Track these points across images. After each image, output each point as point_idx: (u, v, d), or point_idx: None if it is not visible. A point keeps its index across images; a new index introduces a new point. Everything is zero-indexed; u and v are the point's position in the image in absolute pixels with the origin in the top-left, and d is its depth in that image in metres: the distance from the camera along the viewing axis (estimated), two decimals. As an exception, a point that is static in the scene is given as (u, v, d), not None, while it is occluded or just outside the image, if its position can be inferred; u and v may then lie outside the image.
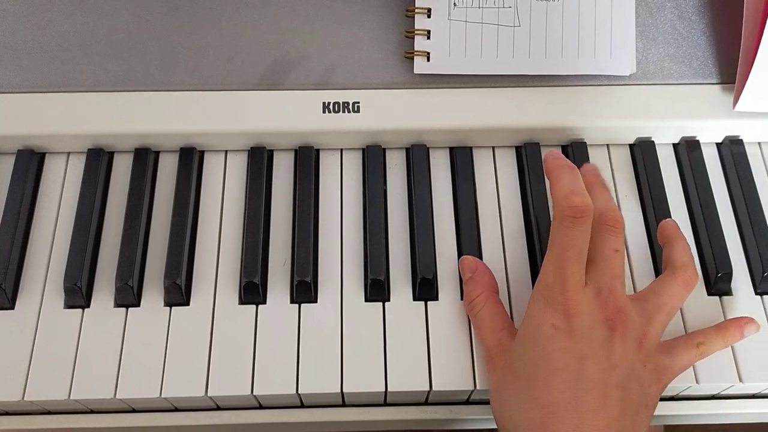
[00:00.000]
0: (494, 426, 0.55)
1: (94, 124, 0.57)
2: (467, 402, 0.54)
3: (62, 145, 0.58)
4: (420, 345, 0.52)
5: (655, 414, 0.48)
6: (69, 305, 0.53)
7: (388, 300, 0.53)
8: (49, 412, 0.53)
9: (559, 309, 0.46)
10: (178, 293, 0.52)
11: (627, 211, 0.57)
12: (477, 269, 0.52)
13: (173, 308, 0.53)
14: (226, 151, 0.59)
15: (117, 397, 0.50)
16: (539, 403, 0.45)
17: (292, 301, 0.53)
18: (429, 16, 0.58)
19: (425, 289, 0.53)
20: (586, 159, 0.59)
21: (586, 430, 0.44)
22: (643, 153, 0.59)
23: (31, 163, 0.57)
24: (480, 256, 0.54)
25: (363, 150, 0.59)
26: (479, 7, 0.57)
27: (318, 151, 0.59)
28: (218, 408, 0.53)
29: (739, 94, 0.57)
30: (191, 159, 0.58)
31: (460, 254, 0.55)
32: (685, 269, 0.50)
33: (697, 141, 0.60)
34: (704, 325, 0.52)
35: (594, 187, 0.52)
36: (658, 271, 0.55)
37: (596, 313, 0.47)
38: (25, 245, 0.55)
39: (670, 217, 0.56)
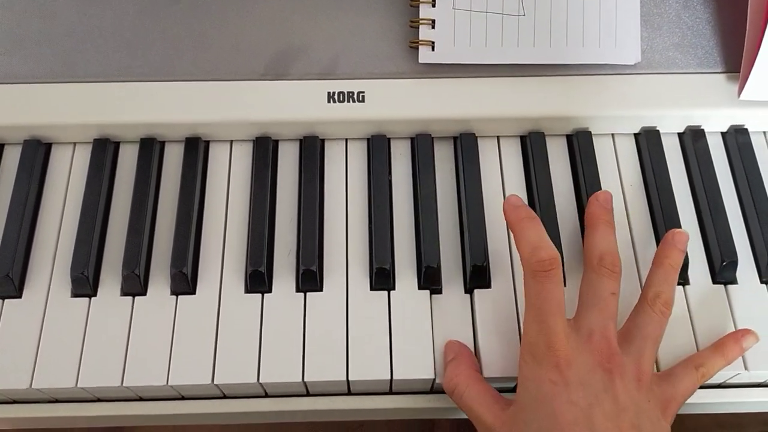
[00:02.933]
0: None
1: (100, 115, 0.57)
2: (472, 390, 0.54)
3: (68, 136, 0.58)
4: (425, 333, 0.52)
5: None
6: (76, 294, 0.53)
7: (393, 288, 0.53)
8: (57, 401, 0.53)
9: (551, 363, 0.45)
10: (185, 282, 0.53)
11: (632, 201, 0.58)
12: (460, 351, 0.51)
13: (179, 297, 0.53)
14: (232, 141, 0.59)
15: (124, 385, 0.50)
16: None
17: (298, 290, 0.53)
18: (434, 6, 0.58)
19: (430, 277, 0.53)
20: (591, 148, 0.59)
21: None
22: (648, 142, 0.59)
23: (37, 154, 0.58)
24: (485, 246, 0.54)
25: (368, 139, 0.59)
26: (484, -3, 0.57)
27: (323, 140, 0.59)
28: (224, 396, 0.53)
29: (744, 83, 0.57)
30: (197, 149, 0.58)
31: (464, 243, 0.55)
32: (656, 300, 0.49)
33: (702, 130, 0.60)
34: (709, 314, 0.53)
35: (599, 224, 0.52)
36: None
37: (589, 359, 0.46)
38: (32, 235, 0.55)
39: (676, 206, 0.56)
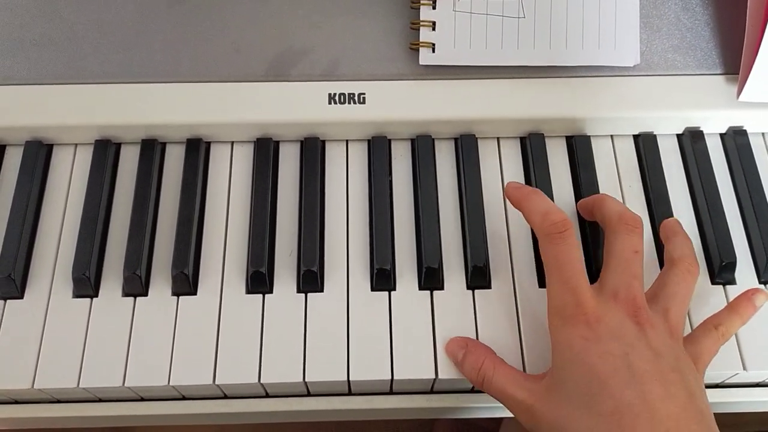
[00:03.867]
0: (500, 415, 0.56)
1: (101, 116, 0.57)
2: (473, 390, 0.54)
3: (70, 137, 0.59)
4: (426, 334, 0.52)
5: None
6: (77, 295, 0.53)
7: (394, 289, 0.54)
8: (58, 401, 0.53)
9: (581, 321, 0.45)
10: (186, 283, 0.53)
11: (631, 202, 0.58)
12: (471, 343, 0.50)
13: (181, 297, 0.53)
14: (233, 142, 0.59)
15: (125, 385, 0.50)
16: (606, 412, 0.43)
17: (299, 291, 0.53)
18: (434, 8, 0.58)
19: (430, 278, 0.53)
20: (590, 150, 0.59)
21: (662, 419, 0.42)
22: (646, 144, 0.59)
23: (39, 155, 0.58)
24: (485, 247, 0.54)
25: (368, 141, 0.59)
26: (484, -1, 0.58)
27: (324, 141, 0.59)
28: (225, 396, 0.53)
29: (743, 85, 0.57)
30: (198, 150, 0.58)
31: (465, 244, 0.55)
32: (683, 260, 0.50)
33: (701, 132, 0.60)
34: (708, 314, 0.52)
35: (603, 198, 0.53)
36: (660, 258, 0.55)
37: (618, 314, 0.46)
38: (34, 236, 0.55)
39: (672, 208, 0.57)
